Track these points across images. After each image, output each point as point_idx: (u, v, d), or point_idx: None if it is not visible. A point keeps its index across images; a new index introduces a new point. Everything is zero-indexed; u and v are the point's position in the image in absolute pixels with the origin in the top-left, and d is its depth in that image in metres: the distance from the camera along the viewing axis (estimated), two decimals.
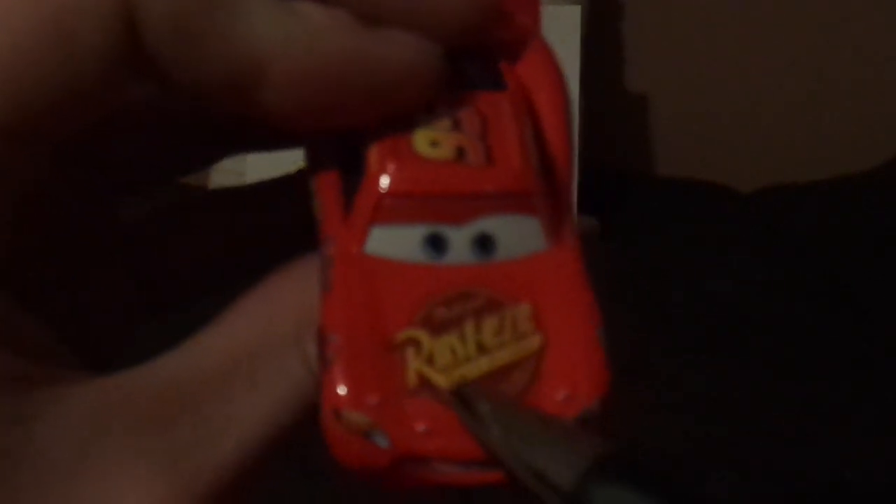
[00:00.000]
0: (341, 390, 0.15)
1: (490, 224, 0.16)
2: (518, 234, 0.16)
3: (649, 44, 1.39)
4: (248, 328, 0.16)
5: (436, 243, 0.16)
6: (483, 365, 0.16)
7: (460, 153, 0.16)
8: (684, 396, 0.82)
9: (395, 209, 0.16)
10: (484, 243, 0.16)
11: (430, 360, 0.15)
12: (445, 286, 0.16)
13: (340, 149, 0.17)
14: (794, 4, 1.37)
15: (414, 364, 0.15)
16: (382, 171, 0.16)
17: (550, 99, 0.18)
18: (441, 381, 0.15)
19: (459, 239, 0.16)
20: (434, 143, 0.16)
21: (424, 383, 0.15)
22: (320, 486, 0.56)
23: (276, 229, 0.18)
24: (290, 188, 0.18)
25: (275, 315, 0.16)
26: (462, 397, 0.15)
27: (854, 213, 1.15)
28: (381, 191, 0.16)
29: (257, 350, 0.16)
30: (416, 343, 0.16)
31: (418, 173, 0.16)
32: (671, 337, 0.91)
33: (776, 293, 0.99)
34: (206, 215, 0.21)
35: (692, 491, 0.13)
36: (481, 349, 0.16)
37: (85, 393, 0.15)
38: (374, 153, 0.16)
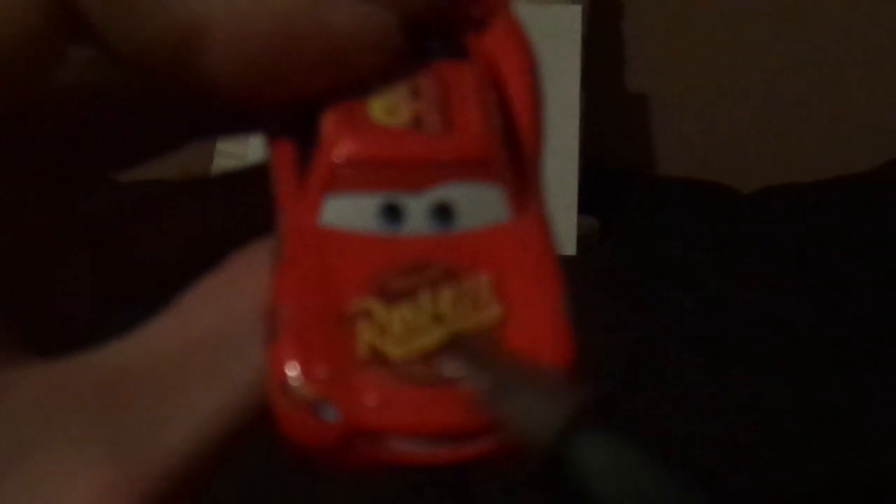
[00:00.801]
0: (288, 362, 0.14)
1: (449, 192, 0.15)
2: (479, 204, 0.16)
3: (649, 44, 1.39)
4: (205, 313, 0.15)
5: (392, 213, 0.15)
6: (438, 335, 0.15)
7: (418, 121, 0.16)
8: (684, 396, 0.82)
9: (349, 178, 0.15)
10: (443, 213, 0.15)
11: (382, 332, 0.15)
12: (402, 257, 0.15)
13: (298, 123, 0.16)
14: (794, 4, 1.37)
15: (366, 335, 0.15)
16: (336, 138, 0.16)
17: (518, 71, 0.17)
18: (394, 352, 0.15)
19: (417, 208, 0.15)
20: (390, 111, 0.16)
21: (377, 355, 0.15)
22: (317, 481, 0.56)
23: (249, 219, 0.17)
24: (262, 177, 0.18)
25: (233, 300, 0.15)
26: (451, 347, 0.15)
27: (854, 213, 1.15)
28: (335, 159, 0.15)
29: (215, 336, 0.15)
30: (368, 314, 0.15)
31: (373, 140, 0.16)
32: (671, 337, 0.90)
33: (776, 293, 0.99)
34: (174, 205, 0.20)
35: (664, 439, 0.14)
36: (437, 320, 0.15)
37: (32, 378, 0.14)
38: (328, 122, 0.16)
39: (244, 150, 1.04)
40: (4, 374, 0.14)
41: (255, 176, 0.18)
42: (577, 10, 1.14)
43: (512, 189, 0.16)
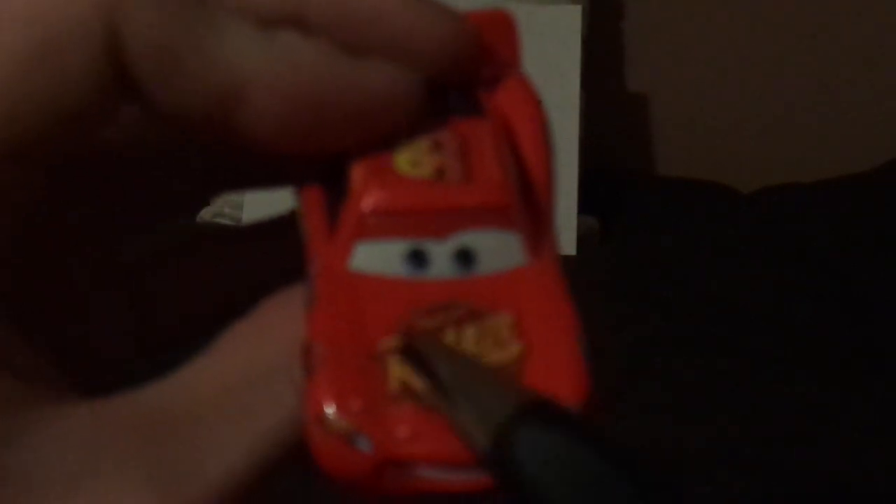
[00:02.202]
0: (324, 397, 0.15)
1: (470, 238, 0.17)
2: (498, 249, 0.17)
3: (649, 44, 1.39)
4: (240, 356, 0.16)
5: (417, 258, 0.16)
6: None
7: (440, 172, 0.17)
8: (684, 396, 0.82)
9: (377, 226, 0.16)
10: (465, 257, 0.17)
11: (412, 368, 0.16)
12: (427, 299, 0.16)
13: (326, 172, 0.18)
14: (794, 5, 1.37)
15: (396, 371, 0.16)
16: (365, 189, 0.17)
17: (530, 128, 0.18)
18: (421, 385, 0.16)
19: (440, 253, 0.16)
20: (414, 164, 0.17)
21: (407, 390, 0.16)
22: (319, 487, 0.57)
23: (279, 267, 0.19)
24: (290, 226, 0.19)
25: (266, 343, 0.16)
26: (407, 346, 0.16)
27: (854, 213, 1.15)
28: (364, 208, 0.17)
29: (249, 378, 0.16)
30: (398, 352, 0.16)
31: (399, 191, 0.17)
32: (671, 337, 0.91)
33: (776, 293, 0.99)
34: (208, 254, 0.22)
35: (612, 439, 0.14)
36: None
37: (77, 415, 0.15)
38: (356, 173, 0.17)
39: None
40: (50, 409, 0.15)
41: (283, 226, 0.20)
42: (577, 10, 1.14)
43: (528, 235, 0.17)
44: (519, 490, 0.14)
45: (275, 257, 0.20)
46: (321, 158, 0.17)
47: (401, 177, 0.17)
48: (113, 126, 0.17)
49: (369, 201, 0.17)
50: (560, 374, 0.16)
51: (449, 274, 0.16)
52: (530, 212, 0.17)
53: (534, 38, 1.12)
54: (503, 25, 0.19)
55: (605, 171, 1.23)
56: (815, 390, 0.83)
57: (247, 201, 1.12)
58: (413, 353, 0.16)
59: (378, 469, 0.15)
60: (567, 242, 1.05)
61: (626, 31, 1.39)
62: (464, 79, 0.18)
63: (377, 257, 0.16)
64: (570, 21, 1.14)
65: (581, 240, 1.08)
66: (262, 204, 0.99)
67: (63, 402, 0.15)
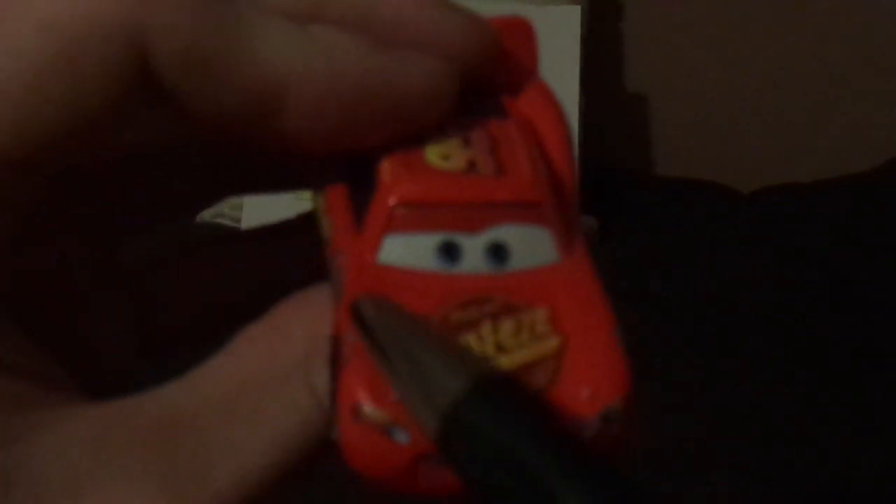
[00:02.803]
0: (359, 387, 0.15)
1: (503, 233, 0.16)
2: (530, 245, 0.16)
3: (649, 44, 1.39)
4: (254, 358, 0.16)
5: (449, 251, 0.16)
6: (503, 363, 0.15)
7: (472, 165, 0.17)
8: (684, 396, 0.82)
9: (407, 218, 0.16)
10: (497, 252, 0.16)
11: None
12: (460, 293, 0.16)
13: (347, 170, 0.17)
14: (794, 4, 1.37)
15: None
16: (395, 181, 0.16)
17: (554, 131, 0.18)
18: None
19: (473, 247, 0.16)
20: (445, 157, 0.17)
21: None
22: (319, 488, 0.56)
23: (287, 271, 0.18)
24: (297, 231, 0.19)
25: (282, 345, 0.16)
26: (357, 314, 0.15)
27: (854, 213, 1.15)
28: (394, 200, 0.16)
29: (263, 380, 0.16)
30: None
31: (430, 182, 0.16)
32: (671, 337, 0.91)
33: (776, 293, 0.99)
34: (210, 253, 0.21)
35: (557, 418, 0.13)
36: (500, 349, 0.15)
37: (83, 416, 0.15)
38: (385, 166, 0.16)
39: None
40: (55, 410, 0.15)
41: (286, 229, 0.19)
42: (576, 10, 1.14)
43: (559, 232, 0.17)
44: (462, 475, 0.13)
45: (277, 259, 0.20)
46: (346, 156, 0.17)
47: (432, 169, 0.16)
48: (130, 132, 0.16)
49: (399, 193, 0.16)
50: (600, 367, 0.16)
51: (482, 268, 0.16)
52: (560, 212, 0.17)
53: None
54: (522, 32, 0.19)
55: (605, 171, 1.23)
56: (815, 390, 0.83)
57: (247, 202, 1.12)
58: (357, 317, 0.15)
59: (415, 462, 0.15)
60: None
61: (626, 31, 1.39)
62: (487, 81, 0.18)
63: (408, 250, 0.16)
64: (570, 21, 1.14)
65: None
66: (262, 204, 0.99)
67: (69, 405, 0.15)
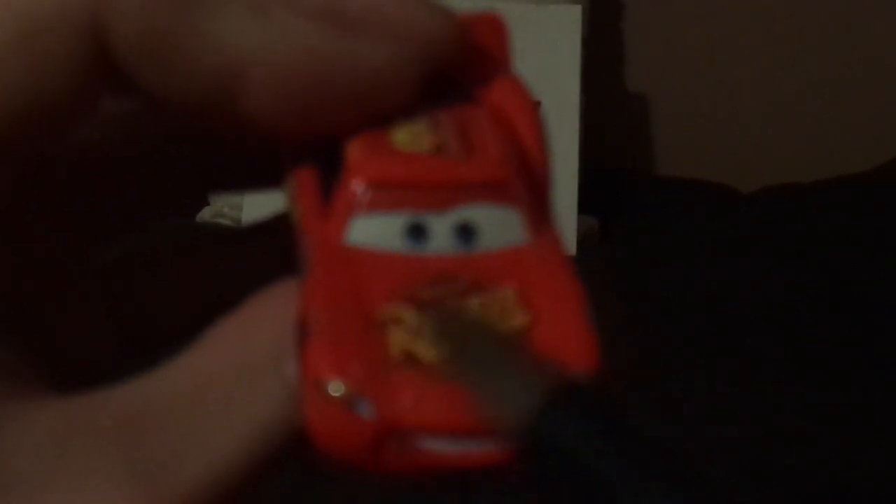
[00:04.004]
0: (322, 360, 0.14)
1: (471, 213, 0.16)
2: (499, 225, 0.16)
3: (649, 44, 1.39)
4: (225, 350, 0.16)
5: (416, 232, 0.16)
6: None
7: (439, 148, 0.17)
8: (684, 396, 0.82)
9: (374, 199, 0.16)
10: (465, 232, 0.16)
11: (414, 336, 0.15)
12: (427, 272, 0.16)
13: (317, 154, 0.17)
14: (794, 4, 1.37)
15: (398, 339, 0.15)
16: (362, 162, 0.16)
17: (525, 118, 0.18)
18: (427, 354, 0.15)
19: (440, 227, 0.16)
20: (413, 140, 0.17)
21: (410, 358, 0.15)
22: (320, 485, 0.57)
23: (265, 269, 0.18)
24: (274, 230, 0.18)
25: (254, 337, 0.16)
26: (426, 316, 0.15)
27: (854, 213, 1.15)
28: (361, 181, 0.16)
29: (234, 372, 0.15)
30: (399, 320, 0.15)
31: (397, 163, 0.16)
32: (670, 337, 0.91)
33: (776, 293, 0.99)
34: (203, 252, 0.21)
35: (645, 431, 0.13)
36: None
37: (50, 409, 0.15)
38: (353, 148, 0.16)
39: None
40: (23, 403, 0.15)
41: (280, 225, 0.19)
42: (577, 10, 1.14)
43: (528, 214, 0.17)
44: (546, 485, 0.13)
45: (272, 257, 0.20)
46: (315, 142, 0.17)
47: (398, 151, 0.16)
48: (96, 118, 0.16)
49: (366, 173, 0.16)
50: (569, 343, 0.15)
51: (450, 248, 0.16)
52: (530, 195, 0.17)
53: (534, 38, 1.12)
54: (494, 26, 0.18)
55: (605, 171, 1.23)
56: (815, 390, 0.83)
57: (246, 202, 1.12)
58: (433, 324, 0.15)
59: (380, 437, 0.14)
60: (567, 242, 1.05)
61: (626, 31, 1.39)
62: (458, 73, 0.18)
63: (375, 231, 0.16)
64: (570, 21, 1.14)
65: (581, 240, 1.08)
66: (262, 204, 0.99)
67: (36, 397, 0.15)
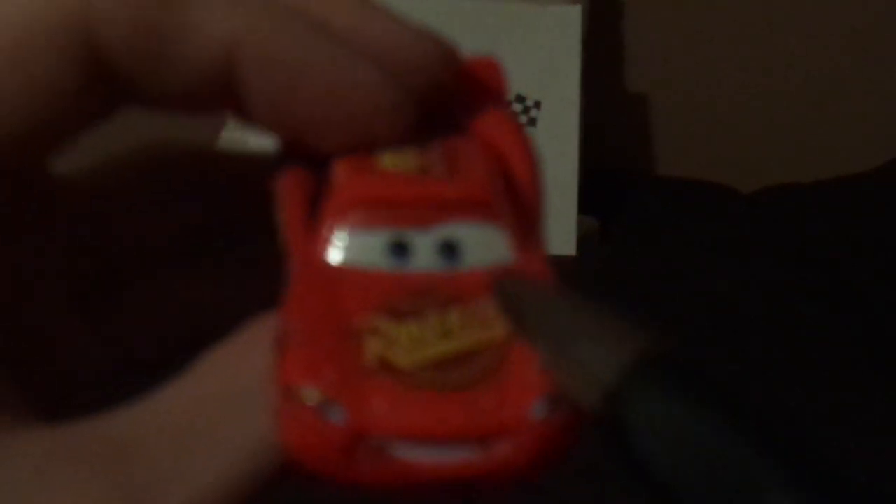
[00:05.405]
0: (295, 366, 0.14)
1: (455, 231, 0.16)
2: (484, 244, 0.16)
3: (649, 44, 1.39)
4: (211, 380, 0.16)
5: (400, 249, 0.16)
6: (447, 347, 0.15)
7: (424, 169, 0.17)
8: None
9: (358, 216, 0.16)
10: (449, 250, 0.16)
11: (390, 344, 0.15)
12: (409, 286, 0.16)
13: (309, 172, 0.17)
14: (794, 4, 1.37)
15: (374, 347, 0.15)
16: (347, 180, 0.16)
17: (518, 154, 0.18)
18: (402, 361, 0.15)
19: (424, 245, 0.16)
20: (399, 162, 0.17)
21: (385, 365, 0.15)
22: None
23: (257, 295, 0.18)
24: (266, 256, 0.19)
25: (239, 368, 0.15)
26: (498, 289, 0.15)
27: (855, 213, 1.15)
28: (345, 197, 0.16)
29: (220, 403, 0.15)
30: (375, 330, 0.15)
31: (381, 181, 0.16)
32: (670, 337, 0.90)
33: (777, 293, 0.99)
34: (176, 279, 0.21)
35: (745, 397, 0.12)
36: (445, 335, 0.15)
37: (37, 438, 0.15)
38: (339, 167, 0.17)
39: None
40: (10, 433, 0.15)
41: (262, 254, 0.19)
42: (577, 10, 1.14)
43: (514, 234, 0.17)
44: (634, 460, 0.12)
45: (257, 281, 0.20)
46: (309, 159, 0.17)
47: (384, 171, 0.17)
48: (91, 123, 0.16)
49: (350, 191, 0.16)
50: None
51: (433, 266, 0.16)
52: (519, 219, 0.17)
53: (534, 38, 1.12)
54: (491, 68, 0.19)
55: (605, 171, 1.23)
56: (815, 390, 0.83)
57: None
58: (504, 295, 0.15)
59: (352, 443, 0.14)
60: (567, 242, 1.05)
61: (626, 31, 1.39)
62: (451, 106, 0.18)
63: (357, 248, 0.16)
64: (570, 21, 1.14)
65: (581, 240, 1.08)
66: None
67: (17, 427, 0.15)
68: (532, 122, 1.11)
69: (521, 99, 1.12)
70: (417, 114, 0.17)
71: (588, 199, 1.10)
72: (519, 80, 1.12)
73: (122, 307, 0.20)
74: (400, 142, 0.17)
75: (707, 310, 0.95)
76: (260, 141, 0.18)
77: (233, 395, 0.15)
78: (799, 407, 0.81)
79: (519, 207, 0.17)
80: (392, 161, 0.17)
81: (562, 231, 1.04)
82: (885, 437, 0.77)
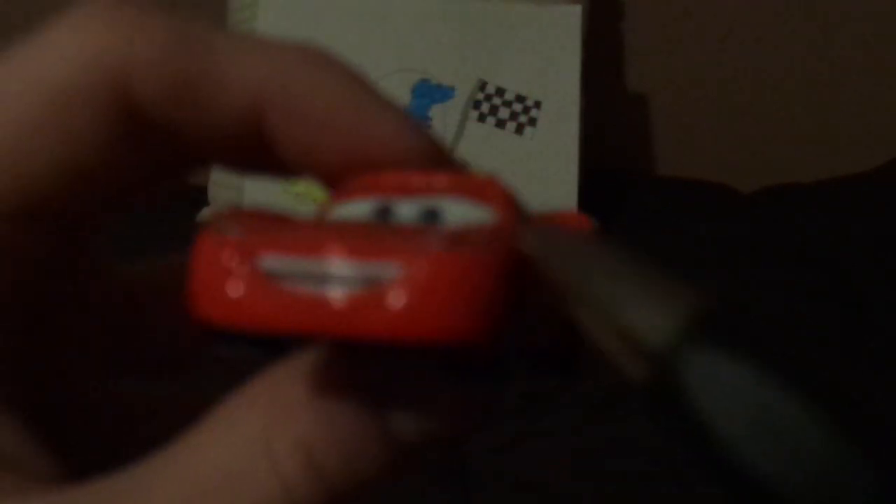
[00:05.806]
0: (227, 219, 0.15)
1: (442, 203, 0.16)
2: (468, 215, 0.16)
3: (649, 44, 1.39)
4: (215, 447, 0.15)
5: (384, 212, 0.16)
6: (373, 226, 0.16)
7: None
8: None
9: (353, 189, 0.17)
10: (432, 217, 0.16)
11: (326, 211, 0.16)
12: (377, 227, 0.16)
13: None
14: (794, 4, 1.37)
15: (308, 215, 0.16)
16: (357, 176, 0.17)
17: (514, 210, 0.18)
18: (326, 217, 0.16)
19: (408, 210, 0.16)
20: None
21: (307, 221, 0.15)
22: None
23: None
24: None
25: (230, 443, 0.15)
26: (528, 239, 0.14)
27: (854, 213, 1.15)
28: (344, 187, 0.17)
29: (224, 472, 0.15)
30: (322, 216, 0.16)
31: (384, 174, 0.17)
32: (716, 292, 0.90)
33: (776, 293, 0.99)
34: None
35: (805, 362, 0.11)
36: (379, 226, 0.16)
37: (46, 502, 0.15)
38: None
39: (241, 181, 1.05)
40: (21, 499, 0.15)
41: None
42: (577, 10, 1.14)
43: (503, 216, 0.17)
44: (690, 429, 0.11)
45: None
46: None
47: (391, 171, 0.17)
48: (127, 174, 0.17)
49: (353, 181, 0.17)
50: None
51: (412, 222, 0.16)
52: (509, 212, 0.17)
53: (534, 38, 1.12)
54: (581, 223, 0.19)
55: (605, 171, 1.23)
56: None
57: (247, 198, 1.12)
58: (540, 251, 0.14)
59: (242, 260, 0.14)
60: None
61: (626, 31, 1.39)
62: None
63: (346, 212, 0.16)
64: (570, 21, 1.14)
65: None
66: (261, 203, 0.99)
67: (32, 495, 0.15)
68: (532, 122, 1.12)
69: (521, 99, 1.12)
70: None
71: (588, 199, 1.10)
72: (519, 80, 1.12)
73: (134, 322, 0.20)
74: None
75: None
76: (248, 183, 0.18)
77: (236, 459, 0.15)
78: None
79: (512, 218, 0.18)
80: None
81: None
82: (886, 438, 0.77)
